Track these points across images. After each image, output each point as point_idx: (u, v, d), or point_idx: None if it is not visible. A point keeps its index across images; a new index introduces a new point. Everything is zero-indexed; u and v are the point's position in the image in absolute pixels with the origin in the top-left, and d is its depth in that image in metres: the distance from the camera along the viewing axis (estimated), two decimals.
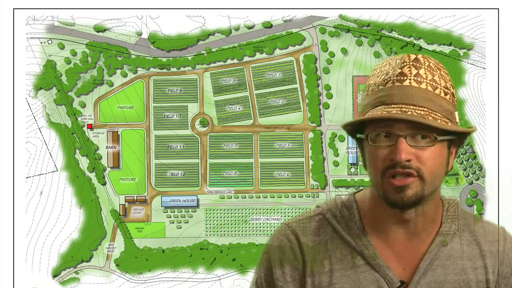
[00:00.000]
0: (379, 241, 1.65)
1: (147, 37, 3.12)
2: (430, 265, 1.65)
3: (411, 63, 1.58)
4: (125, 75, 3.14)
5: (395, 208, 1.58)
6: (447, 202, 1.71)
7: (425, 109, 1.54)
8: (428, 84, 1.57)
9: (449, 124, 1.57)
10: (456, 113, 1.61)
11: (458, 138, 1.62)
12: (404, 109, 1.54)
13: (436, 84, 1.58)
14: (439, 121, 1.54)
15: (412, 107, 1.54)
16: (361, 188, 1.73)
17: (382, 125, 1.56)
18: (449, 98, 1.59)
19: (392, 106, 1.55)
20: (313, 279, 1.66)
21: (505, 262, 1.71)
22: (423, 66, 1.58)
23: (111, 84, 3.14)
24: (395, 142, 1.54)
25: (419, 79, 1.57)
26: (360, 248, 1.65)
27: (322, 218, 1.70)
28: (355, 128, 1.63)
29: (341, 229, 1.67)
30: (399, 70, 1.58)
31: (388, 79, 1.58)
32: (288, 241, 1.69)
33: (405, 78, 1.57)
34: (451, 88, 1.60)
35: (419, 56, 1.60)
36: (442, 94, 1.58)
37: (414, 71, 1.57)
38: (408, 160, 1.53)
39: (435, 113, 1.55)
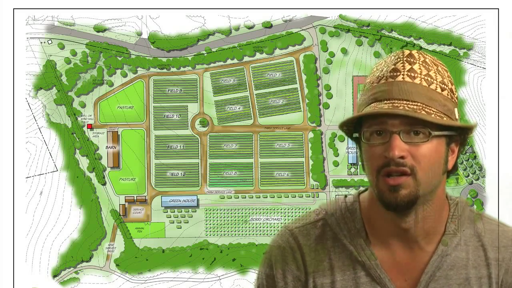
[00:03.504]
0: (382, 250, 1.61)
1: (147, 37, 3.12)
2: (432, 277, 1.60)
3: (404, 59, 1.55)
4: (125, 75, 3.14)
5: (389, 209, 1.53)
6: (454, 204, 1.65)
7: (418, 103, 1.51)
8: (422, 79, 1.53)
9: (445, 119, 1.53)
10: (456, 109, 1.57)
11: (459, 135, 1.57)
12: (396, 104, 1.50)
13: (432, 80, 1.54)
14: (433, 115, 1.50)
15: (404, 102, 1.51)
16: (367, 187, 1.68)
17: (376, 122, 1.52)
18: (447, 94, 1.54)
19: (385, 102, 1.52)
20: None
21: (510, 271, 1.64)
22: (417, 62, 1.55)
23: (111, 84, 3.14)
24: (389, 139, 1.50)
25: (412, 74, 1.53)
26: (363, 259, 1.60)
27: (325, 223, 1.65)
28: (352, 128, 1.60)
29: (343, 237, 1.63)
30: (393, 66, 1.55)
31: (382, 76, 1.55)
32: (291, 249, 1.65)
33: (398, 73, 1.54)
34: (450, 84, 1.56)
35: (414, 52, 1.56)
36: (438, 90, 1.54)
37: (407, 67, 1.54)
38: (402, 157, 1.49)
39: (429, 107, 1.51)
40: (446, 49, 3.11)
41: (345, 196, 1.69)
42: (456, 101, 1.58)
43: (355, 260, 1.61)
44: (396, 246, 1.60)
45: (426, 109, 1.51)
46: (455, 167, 1.60)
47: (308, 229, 1.66)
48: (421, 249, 1.61)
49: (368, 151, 1.54)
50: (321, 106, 3.15)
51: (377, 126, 1.52)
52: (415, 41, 3.11)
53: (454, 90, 1.58)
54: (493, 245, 1.65)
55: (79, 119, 3.13)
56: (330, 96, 3.15)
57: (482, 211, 1.72)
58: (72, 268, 3.13)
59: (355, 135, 1.59)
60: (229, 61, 3.15)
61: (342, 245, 1.63)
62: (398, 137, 1.50)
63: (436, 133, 1.51)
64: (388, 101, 1.52)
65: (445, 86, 1.55)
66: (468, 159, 3.12)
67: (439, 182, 1.57)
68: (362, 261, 1.60)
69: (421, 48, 3.10)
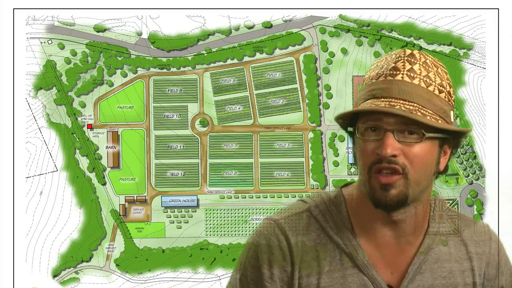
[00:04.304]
0: (368, 242, 1.62)
1: (147, 37, 3.12)
2: (418, 269, 1.62)
3: (405, 58, 1.56)
4: (125, 75, 3.14)
5: (379, 208, 1.55)
6: (433, 201, 1.67)
7: (415, 104, 1.52)
8: (421, 80, 1.54)
9: (440, 121, 1.54)
10: (452, 112, 1.58)
11: (453, 138, 1.59)
12: (393, 103, 1.52)
13: (430, 81, 1.55)
14: (428, 117, 1.52)
15: (401, 101, 1.52)
16: (348, 182, 1.70)
17: (371, 118, 1.54)
18: (444, 97, 1.56)
19: (382, 99, 1.54)
20: (300, 281, 1.61)
21: (491, 264, 1.69)
22: (418, 62, 1.56)
23: (111, 84, 3.14)
24: (383, 137, 1.52)
25: (412, 74, 1.54)
26: (349, 250, 1.61)
27: (310, 215, 1.65)
28: (348, 122, 1.61)
29: (329, 228, 1.63)
30: (393, 65, 1.56)
31: (381, 73, 1.57)
32: (278, 240, 1.64)
33: (398, 72, 1.55)
34: (448, 87, 1.57)
35: (415, 52, 1.57)
36: (436, 92, 1.55)
37: (407, 66, 1.55)
38: (394, 156, 1.51)
39: (425, 109, 1.53)
40: (446, 49, 3.11)
41: (327, 191, 1.70)
42: (453, 104, 1.59)
43: (342, 251, 1.62)
44: (382, 240, 1.62)
45: (422, 111, 1.52)
46: (446, 169, 1.62)
47: (293, 220, 1.66)
48: (407, 243, 1.63)
49: (362, 147, 1.56)
50: (321, 106, 3.15)
51: (372, 122, 1.54)
52: (415, 41, 3.11)
53: (451, 92, 1.59)
54: (472, 240, 1.69)
55: (79, 119, 3.13)
56: (330, 96, 3.15)
57: (456, 209, 1.75)
58: (72, 268, 3.14)
59: (350, 129, 1.60)
60: (229, 61, 3.15)
61: (329, 236, 1.63)
62: (391, 136, 1.52)
63: (430, 134, 1.53)
64: (385, 99, 1.54)
65: (443, 89, 1.57)
66: (468, 159, 3.12)
67: (430, 182, 1.59)
68: (349, 253, 1.61)
69: (421, 48, 3.10)
